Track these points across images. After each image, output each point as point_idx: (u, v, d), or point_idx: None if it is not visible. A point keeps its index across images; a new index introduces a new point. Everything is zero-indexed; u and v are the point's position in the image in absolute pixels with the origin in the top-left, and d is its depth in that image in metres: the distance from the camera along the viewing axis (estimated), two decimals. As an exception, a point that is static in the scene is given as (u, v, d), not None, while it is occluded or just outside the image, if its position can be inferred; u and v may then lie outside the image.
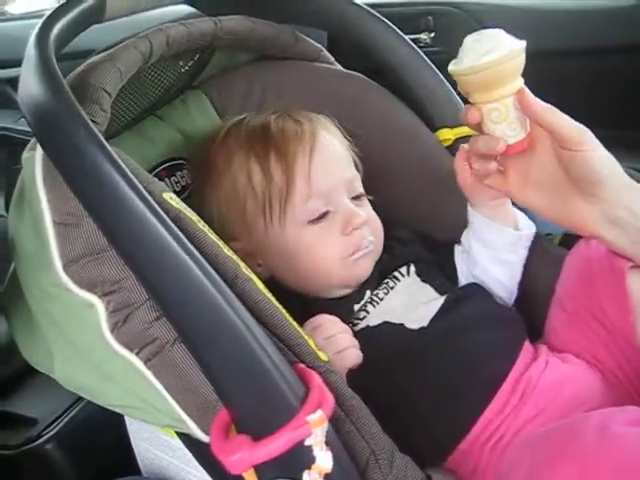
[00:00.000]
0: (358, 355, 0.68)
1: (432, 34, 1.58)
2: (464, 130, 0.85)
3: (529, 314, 0.78)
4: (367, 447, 0.57)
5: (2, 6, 2.13)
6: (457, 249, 0.82)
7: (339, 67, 0.96)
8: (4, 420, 0.93)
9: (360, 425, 0.58)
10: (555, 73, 1.39)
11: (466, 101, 0.67)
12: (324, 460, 0.51)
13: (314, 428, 0.50)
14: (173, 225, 0.54)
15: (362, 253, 0.76)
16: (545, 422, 0.64)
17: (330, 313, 0.69)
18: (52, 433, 0.90)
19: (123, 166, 0.53)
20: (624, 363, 0.70)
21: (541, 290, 0.79)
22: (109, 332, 0.55)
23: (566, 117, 0.64)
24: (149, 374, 0.55)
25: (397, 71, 0.91)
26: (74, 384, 0.63)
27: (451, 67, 0.65)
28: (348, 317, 0.73)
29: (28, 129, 0.56)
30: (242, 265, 0.60)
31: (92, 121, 0.55)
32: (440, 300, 0.76)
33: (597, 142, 0.64)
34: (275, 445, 0.49)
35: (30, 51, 0.57)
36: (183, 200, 0.62)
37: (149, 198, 0.53)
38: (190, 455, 0.65)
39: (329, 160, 0.77)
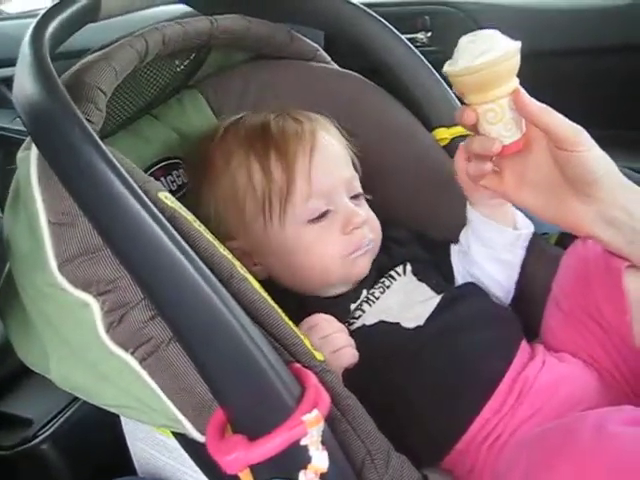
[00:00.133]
0: (354, 354, 0.68)
1: (429, 34, 1.58)
2: (461, 130, 0.85)
3: (526, 313, 0.78)
4: (363, 447, 0.57)
5: (-2, 5, 2.13)
6: (454, 249, 0.82)
7: (335, 66, 0.96)
8: (-1, 421, 0.93)
9: (356, 425, 0.58)
10: (550, 73, 1.39)
11: (462, 101, 0.67)
12: (320, 460, 0.51)
13: (310, 428, 0.50)
14: (168, 224, 0.53)
15: (362, 251, 0.76)
16: (541, 422, 0.64)
17: (326, 312, 0.69)
18: (48, 433, 0.90)
19: (118, 165, 0.53)
20: (620, 363, 0.70)
21: (538, 289, 0.79)
22: (104, 332, 0.55)
23: (561, 117, 0.64)
24: (144, 374, 0.55)
25: (394, 71, 0.91)
26: (69, 384, 0.62)
27: (446, 68, 0.65)
28: (344, 316, 0.73)
29: (24, 129, 0.56)
30: (237, 265, 0.60)
31: (87, 120, 0.55)
32: (436, 299, 0.76)
33: (593, 142, 0.64)
34: (271, 445, 0.49)
35: (25, 50, 0.57)
36: (179, 199, 0.62)
37: (144, 197, 0.53)
38: (186, 455, 0.65)
39: (329, 160, 0.77)
